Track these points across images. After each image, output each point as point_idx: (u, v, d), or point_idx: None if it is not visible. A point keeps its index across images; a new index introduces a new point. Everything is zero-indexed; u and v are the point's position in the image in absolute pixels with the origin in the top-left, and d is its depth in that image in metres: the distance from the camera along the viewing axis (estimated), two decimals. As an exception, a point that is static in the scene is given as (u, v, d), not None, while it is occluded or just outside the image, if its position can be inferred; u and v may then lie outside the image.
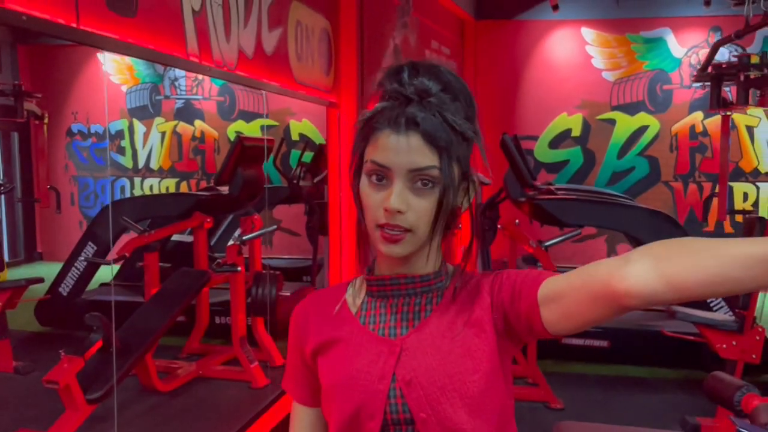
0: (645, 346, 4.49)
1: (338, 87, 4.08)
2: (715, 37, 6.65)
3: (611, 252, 7.02)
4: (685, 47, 6.79)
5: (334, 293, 1.04)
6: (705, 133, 6.79)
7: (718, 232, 6.64)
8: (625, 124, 6.96)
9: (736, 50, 3.61)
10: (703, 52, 6.70)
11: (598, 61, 6.99)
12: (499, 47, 7.19)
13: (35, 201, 5.98)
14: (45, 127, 5.26)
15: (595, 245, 7.05)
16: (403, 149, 0.89)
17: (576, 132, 7.08)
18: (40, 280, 4.42)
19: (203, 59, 2.52)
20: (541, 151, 7.17)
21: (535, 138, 7.15)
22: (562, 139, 7.12)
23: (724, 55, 5.92)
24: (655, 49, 6.84)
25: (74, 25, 1.82)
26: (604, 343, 4.57)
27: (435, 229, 0.92)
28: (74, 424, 3.25)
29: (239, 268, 4.10)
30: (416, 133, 0.89)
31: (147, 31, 2.16)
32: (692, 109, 6.80)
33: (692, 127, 6.82)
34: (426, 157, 0.89)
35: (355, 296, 1.02)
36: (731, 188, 6.59)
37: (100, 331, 3.41)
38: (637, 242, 4.97)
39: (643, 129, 6.93)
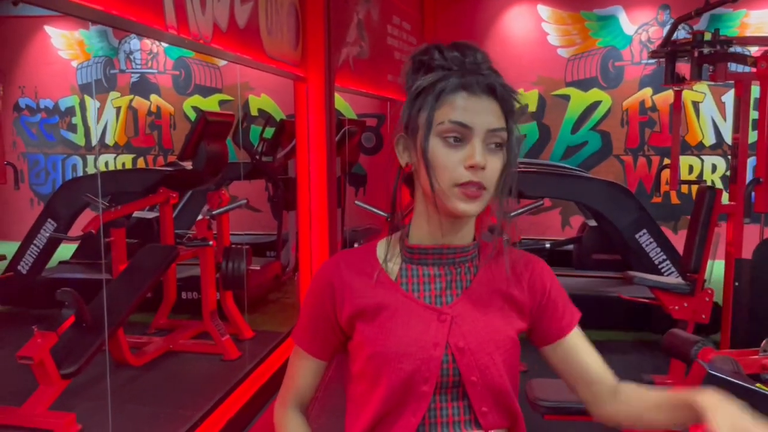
0: (602, 311, 4.72)
1: (306, 61, 4.10)
2: (664, 15, 6.90)
3: (565, 224, 7.27)
4: (636, 25, 7.02)
5: (365, 256, 1.06)
6: (654, 108, 7.07)
7: (666, 203, 6.97)
8: (579, 100, 7.18)
9: (683, 28, 3.80)
10: (653, 30, 6.96)
11: (554, 38, 7.16)
12: (458, 23, 7.28)
13: (-10, 177, 5.77)
14: (-1, 101, 5.09)
15: (550, 217, 7.29)
16: (483, 110, 0.94)
17: (532, 107, 7.26)
18: (2, 258, 4.32)
19: (181, 32, 2.53)
20: (499, 126, 7.33)
21: (492, 113, 7.31)
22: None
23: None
24: (608, 26, 7.06)
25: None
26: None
27: (498, 189, 0.97)
28: (49, 399, 3.24)
29: (210, 243, 4.12)
30: (491, 97, 0.95)
31: (128, 2, 2.15)
32: (642, 85, 7.06)
33: (642, 103, 7.09)
34: (499, 120, 0.95)
35: (388, 262, 1.04)
36: (678, 161, 6.92)
37: (72, 307, 3.40)
38: (592, 212, 5.19)
39: (595, 104, 7.16)
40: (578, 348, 1.09)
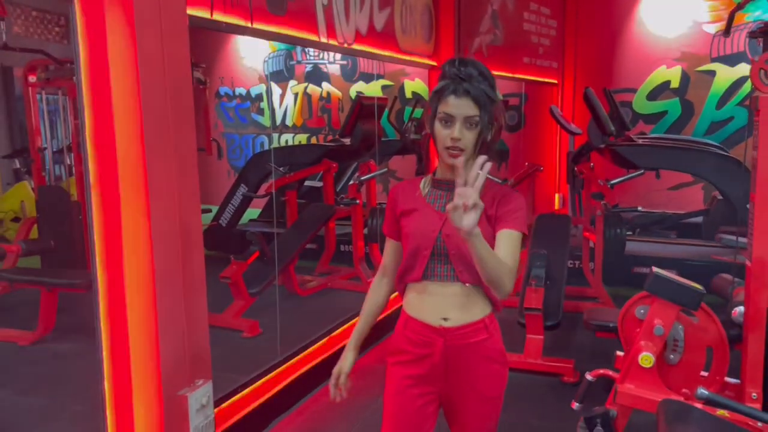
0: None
1: (438, 52, 4.90)
2: (820, -14, 6.68)
3: (707, 198, 7.35)
4: (790, -4, 6.85)
5: (414, 184, 1.83)
6: (808, 81, 6.86)
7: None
8: (725, 75, 7.18)
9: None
10: (806, 2, 6.76)
11: (699, 13, 7.21)
12: (600, 3, 7.59)
13: (201, 150, 7.28)
14: (207, 90, 6.51)
15: (691, 192, 7.40)
16: (461, 105, 1.64)
17: (675, 84, 7.39)
18: (208, 210, 5.67)
19: (330, 39, 3.47)
20: (640, 103, 7.56)
21: (633, 90, 7.56)
22: (660, 91, 7.47)
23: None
24: (758, 0, 6.95)
25: (249, 24, 2.81)
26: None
27: (475, 150, 1.68)
28: (240, 311, 4.44)
29: (357, 201, 5.12)
30: (468, 97, 1.64)
31: (294, 23, 3.12)
32: (795, 58, 6.87)
33: (794, 76, 6.91)
34: (472, 110, 1.64)
35: (424, 187, 1.80)
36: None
37: (257, 245, 4.56)
38: (712, 184, 5.42)
39: (743, 80, 7.11)
40: (500, 239, 1.71)
